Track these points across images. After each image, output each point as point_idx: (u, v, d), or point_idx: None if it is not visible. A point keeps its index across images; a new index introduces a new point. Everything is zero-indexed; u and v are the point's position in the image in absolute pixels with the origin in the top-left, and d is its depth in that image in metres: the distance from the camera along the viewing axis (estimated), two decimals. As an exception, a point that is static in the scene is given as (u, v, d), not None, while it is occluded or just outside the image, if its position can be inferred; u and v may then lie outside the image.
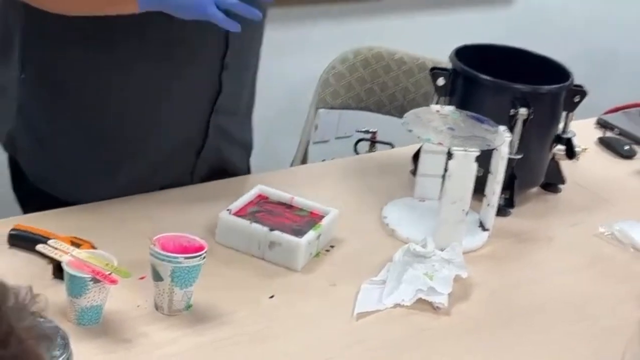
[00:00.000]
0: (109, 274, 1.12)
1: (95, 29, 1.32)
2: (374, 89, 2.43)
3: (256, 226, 1.36)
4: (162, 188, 1.48)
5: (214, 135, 1.48)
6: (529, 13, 3.08)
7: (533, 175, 1.67)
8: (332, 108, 2.43)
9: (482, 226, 1.53)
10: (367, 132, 2.56)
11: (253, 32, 1.46)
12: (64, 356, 1.04)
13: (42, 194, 1.42)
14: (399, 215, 1.53)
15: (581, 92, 1.65)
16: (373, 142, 2.56)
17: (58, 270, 1.20)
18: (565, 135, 1.69)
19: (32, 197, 1.45)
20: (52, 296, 0.94)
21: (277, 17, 2.61)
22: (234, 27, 1.25)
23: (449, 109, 1.55)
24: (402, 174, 1.70)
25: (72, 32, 1.34)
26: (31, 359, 0.60)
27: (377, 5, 2.82)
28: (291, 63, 2.67)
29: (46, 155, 1.42)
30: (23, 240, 1.27)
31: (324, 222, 1.40)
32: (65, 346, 1.05)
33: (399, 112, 2.38)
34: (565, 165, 1.74)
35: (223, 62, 1.41)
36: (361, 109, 2.45)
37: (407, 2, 2.88)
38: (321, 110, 2.45)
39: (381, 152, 2.18)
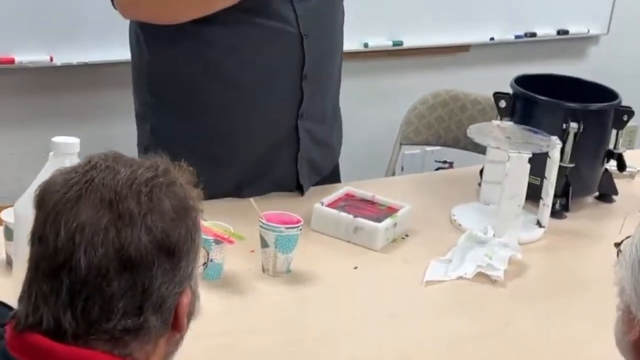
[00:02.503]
0: (228, 237, 1.44)
1: (201, 59, 1.68)
2: (451, 126, 2.70)
3: (343, 214, 1.65)
4: None
5: (305, 139, 1.78)
6: (604, 64, 3.29)
7: (586, 185, 1.91)
8: (414, 144, 2.72)
9: (539, 224, 1.77)
10: (444, 162, 2.83)
11: (327, 47, 1.78)
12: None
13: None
14: (466, 214, 1.79)
15: (629, 112, 1.89)
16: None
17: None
18: (616, 151, 1.92)
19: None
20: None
21: (375, 68, 2.97)
22: None
23: (508, 123, 1.82)
24: (471, 186, 1.96)
25: (185, 62, 1.70)
26: (188, 196, 0.91)
27: (458, 58, 3.13)
28: (386, 109, 2.98)
29: (168, 158, 1.75)
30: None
31: (399, 212, 1.69)
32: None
33: (474, 146, 2.65)
34: (622, 182, 1.96)
35: (302, 73, 1.72)
36: (440, 145, 2.72)
37: (482, 57, 3.17)
38: (406, 152, 2.73)
39: (454, 169, 2.43)
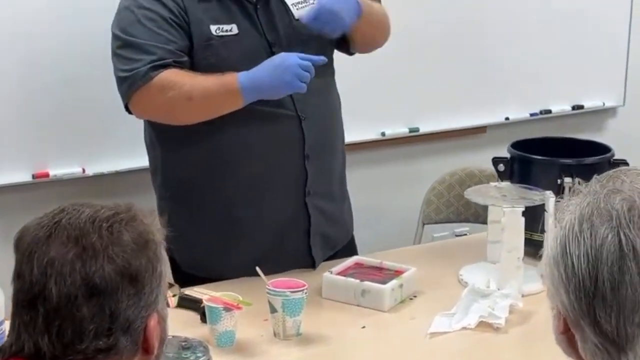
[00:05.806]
0: (236, 304, 1.54)
1: (209, 158, 1.83)
2: (470, 202, 2.78)
3: (351, 280, 1.75)
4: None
5: (315, 215, 1.89)
6: (623, 136, 3.32)
7: (589, 236, 1.96)
8: (435, 223, 2.81)
9: (542, 276, 1.83)
10: (465, 235, 2.89)
11: (326, 127, 1.90)
12: (205, 357, 1.45)
13: (189, 276, 1.87)
14: (472, 273, 1.87)
15: (624, 164, 1.97)
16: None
17: (203, 316, 1.62)
18: (616, 203, 1.98)
19: (184, 280, 1.86)
20: (201, 332, 1.44)
21: (393, 156, 3.08)
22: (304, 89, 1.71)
23: (505, 183, 1.92)
24: (480, 250, 2.03)
25: (196, 159, 1.85)
26: (148, 230, 1.01)
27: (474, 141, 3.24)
28: (406, 194, 3.08)
29: (187, 246, 1.85)
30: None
31: (405, 274, 1.77)
32: (206, 351, 1.47)
33: (494, 219, 2.72)
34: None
35: (304, 153, 1.85)
36: (461, 221, 2.80)
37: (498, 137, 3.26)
38: (435, 235, 2.81)
39: (464, 236, 2.50)
